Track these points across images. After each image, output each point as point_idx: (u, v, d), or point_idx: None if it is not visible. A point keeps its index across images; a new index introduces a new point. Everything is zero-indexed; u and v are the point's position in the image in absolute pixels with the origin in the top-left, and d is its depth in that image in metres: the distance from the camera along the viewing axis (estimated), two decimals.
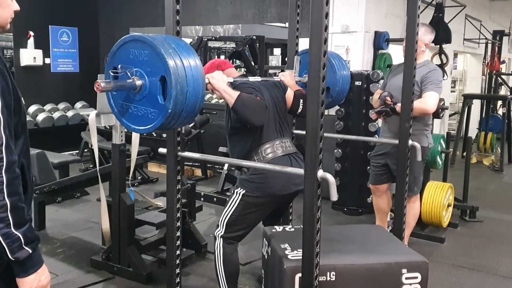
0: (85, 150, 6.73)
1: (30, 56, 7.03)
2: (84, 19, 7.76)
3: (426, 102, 3.31)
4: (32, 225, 1.41)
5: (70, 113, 7.41)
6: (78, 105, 7.68)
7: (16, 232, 1.33)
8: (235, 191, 2.67)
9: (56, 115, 7.23)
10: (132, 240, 3.30)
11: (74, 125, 7.34)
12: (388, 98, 3.44)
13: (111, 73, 2.06)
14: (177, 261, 2.51)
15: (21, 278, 1.39)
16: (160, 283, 3.20)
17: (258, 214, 2.71)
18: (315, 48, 1.82)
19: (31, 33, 7.03)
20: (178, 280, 2.56)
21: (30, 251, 1.36)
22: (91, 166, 6.16)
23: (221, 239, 2.66)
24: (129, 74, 2.01)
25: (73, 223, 4.35)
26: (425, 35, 3.45)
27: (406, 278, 2.30)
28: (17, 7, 1.53)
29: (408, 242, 3.67)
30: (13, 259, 1.35)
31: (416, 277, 2.31)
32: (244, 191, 2.62)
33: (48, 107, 7.32)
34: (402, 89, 2.80)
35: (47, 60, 7.35)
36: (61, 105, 7.52)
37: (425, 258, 2.35)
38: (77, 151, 6.81)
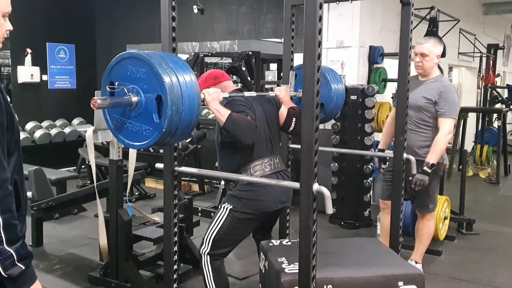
0: (83, 166, 6.73)
1: (27, 73, 7.08)
2: (81, 36, 7.83)
3: (442, 132, 3.25)
4: (25, 241, 1.42)
5: (67, 130, 7.43)
6: (75, 121, 7.70)
7: (8, 249, 1.33)
8: (223, 206, 2.66)
9: (53, 131, 7.26)
10: (130, 255, 3.30)
11: (72, 141, 7.36)
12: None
13: (108, 89, 2.08)
14: (174, 276, 2.51)
15: None
16: None
17: (244, 230, 2.71)
18: (309, 64, 1.85)
19: (28, 50, 7.09)
20: None
21: (23, 268, 1.36)
22: (88, 182, 6.16)
23: (208, 256, 2.64)
24: (125, 90, 2.03)
25: (71, 239, 4.34)
26: (435, 47, 3.36)
27: None
28: (10, 26, 1.55)
29: (423, 261, 3.61)
30: (6, 276, 1.34)
31: None
32: (231, 206, 2.62)
33: (45, 123, 7.34)
34: (396, 103, 2.84)
35: (44, 77, 7.39)
36: (58, 122, 7.55)
37: (422, 271, 2.36)
38: (75, 168, 6.81)
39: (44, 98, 7.47)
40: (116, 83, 2.04)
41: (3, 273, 1.34)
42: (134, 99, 2.01)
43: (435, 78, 3.38)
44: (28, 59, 7.10)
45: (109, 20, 7.86)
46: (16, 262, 1.35)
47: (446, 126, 3.27)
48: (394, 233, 2.82)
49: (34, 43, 7.11)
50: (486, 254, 4.18)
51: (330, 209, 1.94)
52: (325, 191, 1.91)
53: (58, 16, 7.43)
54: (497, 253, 4.20)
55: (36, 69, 7.19)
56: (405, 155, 2.81)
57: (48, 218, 4.62)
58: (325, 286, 2.23)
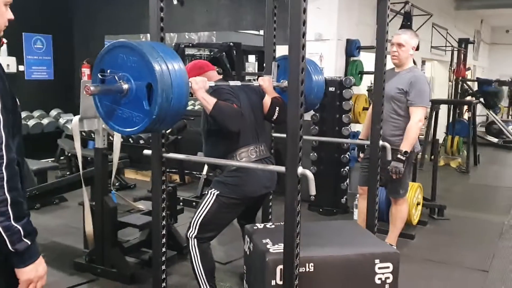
0: (61, 157, 6.71)
1: (3, 63, 6.68)
2: (59, 27, 7.76)
3: (412, 121, 3.42)
4: (29, 219, 1.49)
5: (45, 121, 7.38)
6: (53, 112, 7.65)
7: (16, 225, 1.41)
8: (209, 191, 2.77)
9: (31, 122, 7.20)
10: (115, 242, 3.38)
11: (49, 132, 7.30)
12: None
13: (100, 76, 2.14)
14: (163, 258, 2.60)
15: (20, 269, 1.47)
16: (143, 283, 3.28)
17: (230, 214, 2.83)
18: (294, 54, 1.97)
19: (4, 40, 6.98)
20: (163, 276, 2.64)
21: (29, 243, 1.45)
22: (67, 173, 6.16)
23: (195, 239, 2.74)
24: (116, 78, 2.10)
25: (54, 228, 4.38)
26: (412, 39, 3.53)
27: (379, 268, 2.46)
28: (11, 15, 1.62)
29: (397, 244, 3.77)
30: (13, 250, 1.42)
31: (388, 267, 2.47)
32: (218, 192, 2.73)
33: (23, 114, 7.26)
34: (373, 93, 2.99)
35: (21, 68, 7.32)
36: (36, 113, 7.48)
37: (396, 249, 2.52)
38: (53, 159, 6.79)
39: (21, 89, 7.36)
40: (108, 71, 2.11)
41: (10, 248, 1.41)
42: (125, 86, 2.07)
43: (408, 69, 3.55)
44: (3, 49, 7.01)
45: (87, 11, 7.80)
46: (23, 238, 1.43)
47: (417, 114, 3.44)
48: (371, 215, 2.97)
49: (9, 33, 6.94)
50: (455, 237, 4.40)
51: (313, 190, 2.06)
52: (309, 174, 2.04)
53: (35, 6, 7.32)
54: (466, 237, 4.43)
55: (12, 60, 7.10)
56: (381, 142, 2.96)
57: (29, 208, 4.61)
58: (307, 265, 2.37)
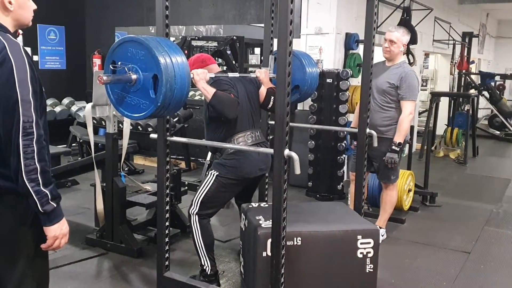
0: (73, 144, 7.02)
1: None
2: (71, 18, 8.05)
3: (404, 114, 3.69)
4: (55, 186, 1.77)
5: (58, 109, 7.68)
6: (66, 101, 7.95)
7: (44, 190, 1.69)
8: (210, 172, 3.05)
9: None
10: (124, 219, 3.67)
11: (62, 120, 7.61)
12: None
13: (111, 67, 2.42)
14: (167, 231, 2.88)
15: (47, 227, 1.76)
16: (149, 258, 3.57)
17: (228, 193, 3.10)
18: (282, 50, 2.23)
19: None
20: (167, 250, 2.93)
21: (55, 205, 1.73)
22: (79, 158, 6.46)
23: (196, 216, 3.02)
24: (126, 69, 2.38)
25: (66, 208, 4.53)
26: (403, 36, 3.80)
27: (361, 243, 2.73)
28: (35, 6, 1.90)
29: (386, 227, 4.07)
30: (42, 211, 1.71)
31: (369, 242, 2.74)
32: (217, 173, 3.00)
33: None
34: (361, 85, 3.23)
35: (35, 58, 7.63)
36: (49, 101, 7.77)
37: (378, 227, 2.78)
38: (65, 145, 7.10)
39: None
40: (119, 63, 2.39)
41: (40, 209, 1.70)
42: (134, 76, 2.35)
43: (399, 64, 3.80)
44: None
45: (98, 3, 8.07)
46: (50, 201, 1.71)
47: (407, 108, 3.71)
48: (357, 197, 3.23)
49: None
50: (444, 222, 4.65)
51: (298, 170, 2.32)
52: (294, 155, 2.30)
53: None
54: (454, 221, 4.68)
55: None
56: (368, 130, 3.21)
57: None
58: (295, 238, 2.65)
